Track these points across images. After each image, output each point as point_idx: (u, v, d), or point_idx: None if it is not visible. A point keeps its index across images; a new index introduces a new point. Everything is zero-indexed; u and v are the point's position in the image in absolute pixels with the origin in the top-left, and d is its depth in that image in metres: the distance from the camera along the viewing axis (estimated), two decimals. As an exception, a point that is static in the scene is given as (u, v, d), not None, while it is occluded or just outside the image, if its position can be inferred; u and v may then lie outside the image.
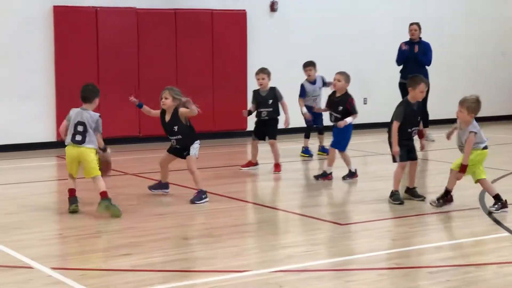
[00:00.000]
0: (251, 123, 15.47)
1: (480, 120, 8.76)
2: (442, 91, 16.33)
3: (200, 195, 9.13)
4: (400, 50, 15.12)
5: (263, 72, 11.49)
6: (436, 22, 17.61)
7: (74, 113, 8.50)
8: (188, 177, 9.44)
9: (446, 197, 8.74)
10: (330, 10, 16.57)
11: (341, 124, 10.39)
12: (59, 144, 13.73)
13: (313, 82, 12.86)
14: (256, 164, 11.66)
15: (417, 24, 15.15)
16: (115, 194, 9.58)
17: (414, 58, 15.02)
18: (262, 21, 16.05)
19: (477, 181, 8.58)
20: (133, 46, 14.80)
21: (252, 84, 14.71)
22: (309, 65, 12.91)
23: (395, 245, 7.19)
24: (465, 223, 8.13)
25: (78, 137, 8.40)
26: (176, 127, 9.16)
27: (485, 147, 8.55)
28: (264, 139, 11.55)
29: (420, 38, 15.14)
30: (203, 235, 7.54)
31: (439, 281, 5.94)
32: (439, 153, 13.48)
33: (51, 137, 14.28)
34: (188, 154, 9.23)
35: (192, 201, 9.05)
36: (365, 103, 17.19)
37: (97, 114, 8.50)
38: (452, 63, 18.01)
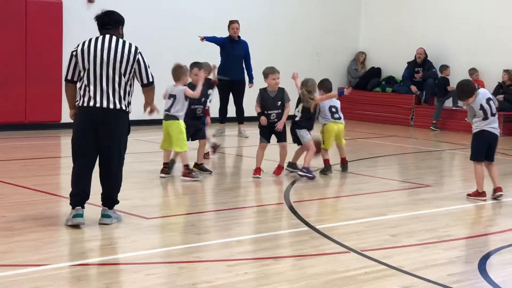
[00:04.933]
0: (65, 115, 15.13)
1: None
2: (257, 89, 16.57)
3: None
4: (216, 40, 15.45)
5: (277, 72, 11.02)
6: (255, 21, 17.94)
7: None
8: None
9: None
10: (148, 3, 16.48)
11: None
12: None
13: None
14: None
15: (238, 22, 15.46)
16: None
17: (235, 56, 15.36)
18: (79, 12, 15.66)
19: None
20: None
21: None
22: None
23: (199, 239, 7.26)
24: (268, 218, 8.36)
25: None
26: None
27: None
28: (269, 141, 10.91)
29: (239, 36, 15.47)
30: (2, 228, 7.29)
31: (236, 274, 6.08)
32: (252, 150, 13.70)
33: None
34: None
35: None
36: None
37: None
38: (269, 62, 18.32)
